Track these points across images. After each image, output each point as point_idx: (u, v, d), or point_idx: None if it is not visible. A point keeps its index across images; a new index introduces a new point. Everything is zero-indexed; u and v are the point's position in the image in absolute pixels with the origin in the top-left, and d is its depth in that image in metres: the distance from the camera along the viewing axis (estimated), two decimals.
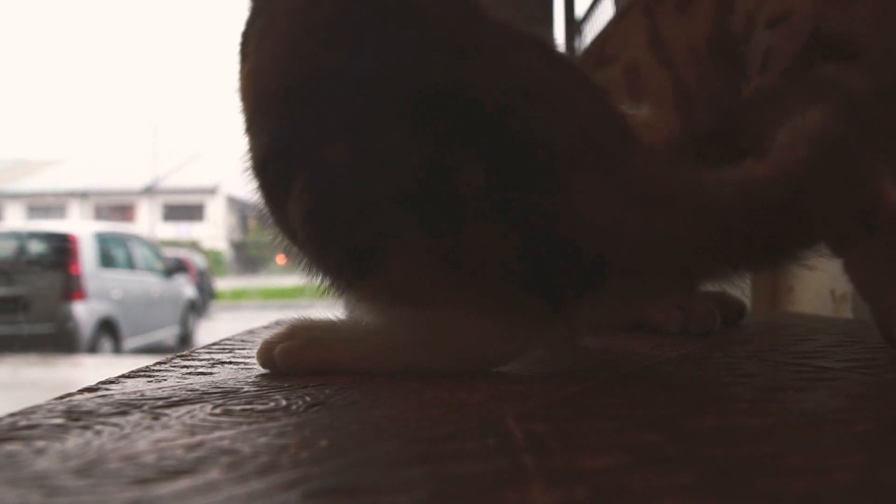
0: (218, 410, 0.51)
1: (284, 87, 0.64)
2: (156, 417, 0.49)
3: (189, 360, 0.75)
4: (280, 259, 0.91)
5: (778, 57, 0.77)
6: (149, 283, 7.28)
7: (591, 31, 2.31)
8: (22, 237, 6.72)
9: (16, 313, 6.14)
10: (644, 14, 1.04)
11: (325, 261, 0.65)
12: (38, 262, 6.39)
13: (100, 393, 0.58)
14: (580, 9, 2.48)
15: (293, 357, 0.66)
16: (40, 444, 0.43)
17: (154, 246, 8.14)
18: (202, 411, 0.51)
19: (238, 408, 0.52)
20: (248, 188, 0.72)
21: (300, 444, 0.42)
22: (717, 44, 0.90)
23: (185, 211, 18.45)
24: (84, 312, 6.18)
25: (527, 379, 0.62)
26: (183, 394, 0.57)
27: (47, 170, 18.99)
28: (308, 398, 0.55)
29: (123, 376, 0.66)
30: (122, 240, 7.30)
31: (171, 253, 9.33)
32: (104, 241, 6.86)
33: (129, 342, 6.58)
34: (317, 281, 0.67)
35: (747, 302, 1.23)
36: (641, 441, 0.42)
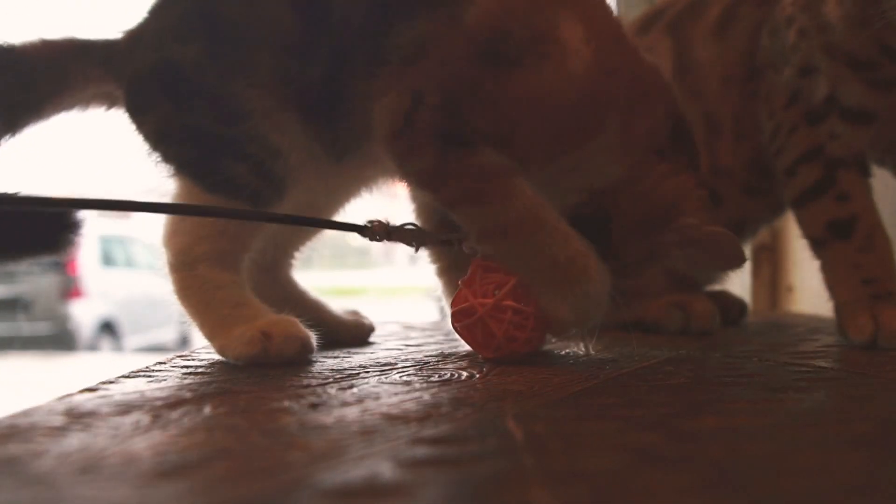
0: (217, 411, 0.51)
1: None
2: (155, 417, 0.49)
3: (189, 360, 0.75)
4: None
5: (807, 100, 0.86)
6: (149, 282, 7.27)
7: None
8: None
9: (16, 313, 6.13)
10: (667, 32, 1.03)
11: None
12: (38, 263, 6.39)
13: (100, 393, 0.58)
14: None
15: None
16: (40, 444, 0.43)
17: (154, 246, 8.10)
18: (201, 412, 0.51)
19: (237, 408, 0.52)
20: None
21: (300, 445, 0.42)
22: (748, 71, 0.94)
23: None
24: (83, 312, 6.17)
25: (527, 379, 0.62)
26: (182, 394, 0.57)
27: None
28: (308, 399, 0.55)
29: (123, 376, 0.66)
30: (122, 239, 7.29)
31: None
32: (105, 241, 6.85)
33: (130, 342, 6.57)
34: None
35: (747, 302, 1.23)
36: (641, 441, 0.42)
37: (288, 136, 0.74)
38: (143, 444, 0.42)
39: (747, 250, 1.55)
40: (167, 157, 0.76)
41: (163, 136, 0.76)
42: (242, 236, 0.76)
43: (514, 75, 0.69)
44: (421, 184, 0.71)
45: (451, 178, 0.68)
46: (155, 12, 0.79)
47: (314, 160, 0.76)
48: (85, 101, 0.81)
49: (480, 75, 0.69)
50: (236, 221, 0.75)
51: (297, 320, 0.74)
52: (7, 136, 0.77)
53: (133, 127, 0.78)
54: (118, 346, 6.45)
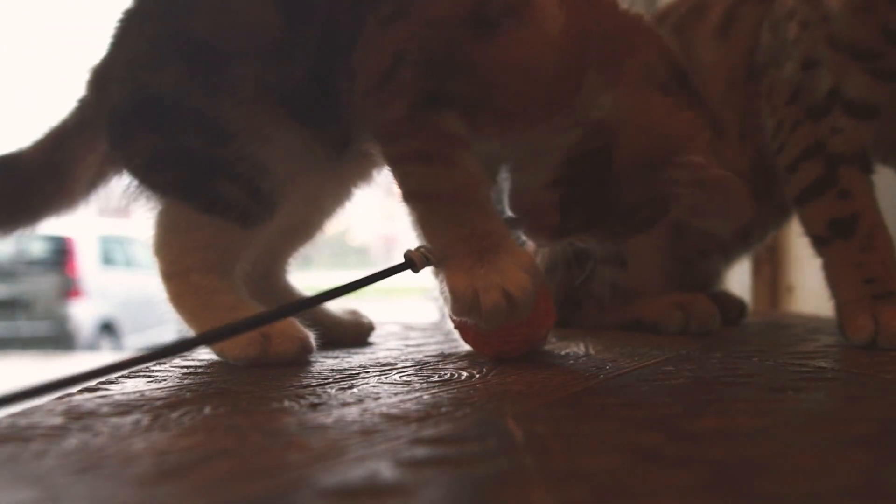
0: (217, 411, 0.51)
1: None
2: (155, 417, 0.49)
3: (189, 360, 0.75)
4: None
5: (810, 94, 0.85)
6: (149, 282, 7.24)
7: None
8: (21, 238, 6.71)
9: (15, 313, 6.14)
10: (672, 35, 1.02)
11: None
12: (38, 263, 6.40)
13: (100, 393, 0.58)
14: None
15: None
16: (40, 444, 0.43)
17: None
18: (201, 412, 0.51)
19: (237, 408, 0.52)
20: None
21: (300, 445, 0.42)
22: (751, 70, 0.94)
23: None
24: (83, 312, 6.18)
25: (527, 379, 0.62)
26: (182, 394, 0.57)
27: None
28: (308, 399, 0.55)
29: (123, 376, 0.66)
30: (122, 239, 7.29)
31: None
32: (105, 241, 6.86)
33: (129, 342, 6.57)
34: None
35: (747, 302, 1.23)
36: (641, 441, 0.42)
37: (277, 150, 0.73)
38: (143, 444, 0.42)
39: (755, 255, 1.56)
40: (156, 186, 0.76)
41: (152, 165, 0.75)
42: (233, 248, 0.76)
43: (494, 39, 0.69)
44: (380, 134, 0.70)
45: (409, 135, 0.67)
46: (119, 42, 0.76)
47: (305, 169, 0.76)
48: (99, 176, 0.80)
49: (462, 39, 0.68)
50: (225, 234, 0.74)
51: (296, 321, 0.74)
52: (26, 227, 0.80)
53: (122, 163, 0.77)
54: (118, 346, 6.45)
